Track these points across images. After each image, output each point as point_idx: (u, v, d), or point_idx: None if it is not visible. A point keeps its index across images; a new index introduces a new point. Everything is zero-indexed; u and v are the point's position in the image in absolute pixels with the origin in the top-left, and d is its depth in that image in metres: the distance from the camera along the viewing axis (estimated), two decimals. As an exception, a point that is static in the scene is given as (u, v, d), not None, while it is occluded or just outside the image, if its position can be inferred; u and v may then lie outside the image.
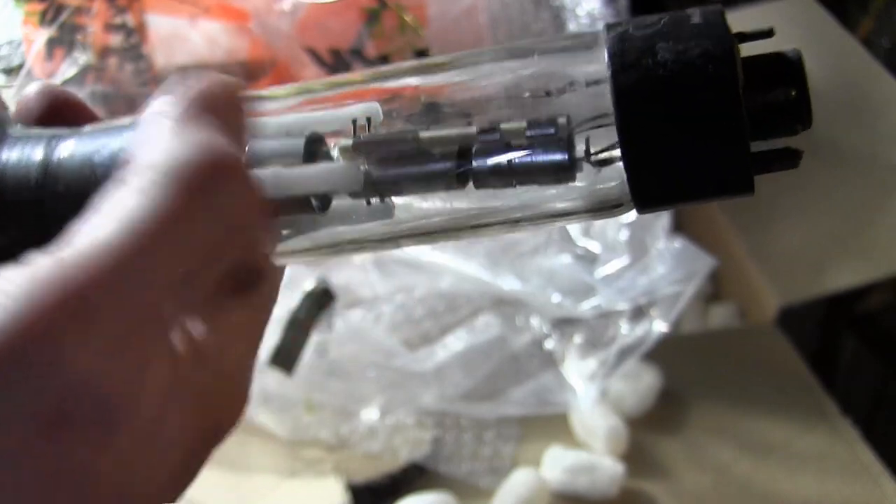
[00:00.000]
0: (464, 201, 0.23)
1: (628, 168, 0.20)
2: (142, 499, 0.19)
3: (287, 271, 0.25)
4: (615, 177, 0.21)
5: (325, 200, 0.24)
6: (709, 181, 0.20)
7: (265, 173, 0.22)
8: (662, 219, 0.71)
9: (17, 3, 0.77)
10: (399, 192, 0.23)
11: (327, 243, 0.24)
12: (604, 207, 0.22)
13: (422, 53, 0.79)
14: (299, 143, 0.23)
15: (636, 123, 0.20)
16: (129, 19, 0.81)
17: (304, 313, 0.65)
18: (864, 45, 1.08)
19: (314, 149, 0.23)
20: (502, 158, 0.22)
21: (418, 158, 0.23)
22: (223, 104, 0.22)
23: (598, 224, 0.73)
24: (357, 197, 0.23)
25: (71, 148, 0.22)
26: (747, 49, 0.21)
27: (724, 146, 0.20)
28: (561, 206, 0.23)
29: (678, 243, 0.69)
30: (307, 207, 0.23)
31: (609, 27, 0.21)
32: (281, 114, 0.24)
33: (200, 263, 0.20)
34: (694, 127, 0.20)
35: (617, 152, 0.21)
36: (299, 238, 0.24)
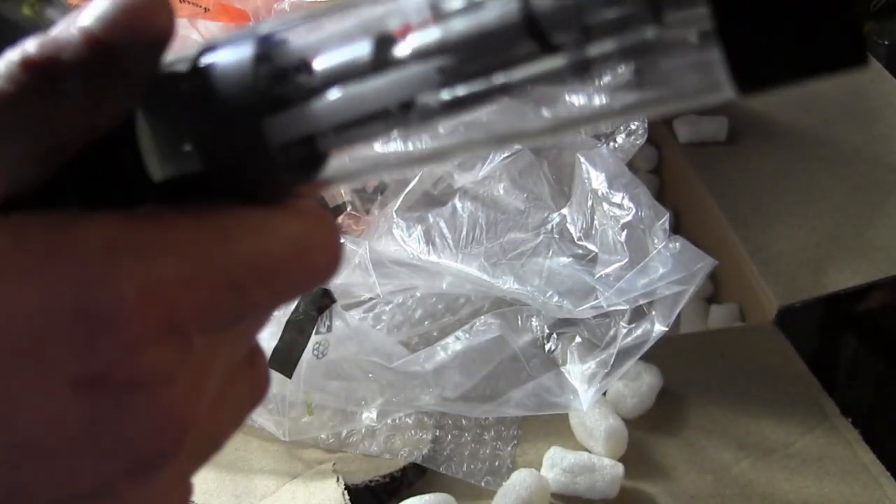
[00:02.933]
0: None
1: (726, 41, 0.17)
2: None
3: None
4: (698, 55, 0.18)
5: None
6: (819, 52, 0.17)
7: (332, 97, 0.19)
8: (662, 219, 0.71)
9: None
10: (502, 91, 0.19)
11: (391, 161, 0.21)
12: (692, 92, 0.19)
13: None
14: (365, 48, 0.20)
15: None
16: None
17: (304, 314, 0.65)
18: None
19: (383, 52, 0.20)
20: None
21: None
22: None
23: (598, 224, 0.73)
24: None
25: None
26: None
27: (833, 10, 0.17)
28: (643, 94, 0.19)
29: (678, 243, 0.69)
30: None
31: None
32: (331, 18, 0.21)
33: None
34: None
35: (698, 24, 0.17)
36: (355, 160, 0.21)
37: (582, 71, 0.19)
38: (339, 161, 0.21)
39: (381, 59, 0.20)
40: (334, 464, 0.66)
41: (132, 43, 0.19)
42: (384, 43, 0.20)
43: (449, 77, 0.19)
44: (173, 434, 0.19)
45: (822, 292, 0.79)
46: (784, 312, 0.77)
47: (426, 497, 0.63)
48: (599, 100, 0.20)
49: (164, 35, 0.19)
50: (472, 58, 0.19)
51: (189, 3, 0.79)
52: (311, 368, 0.66)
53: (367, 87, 0.20)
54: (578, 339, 0.70)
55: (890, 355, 0.94)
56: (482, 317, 0.70)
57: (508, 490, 0.62)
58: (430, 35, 0.19)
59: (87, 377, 0.18)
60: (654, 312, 0.68)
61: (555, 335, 0.72)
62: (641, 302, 0.68)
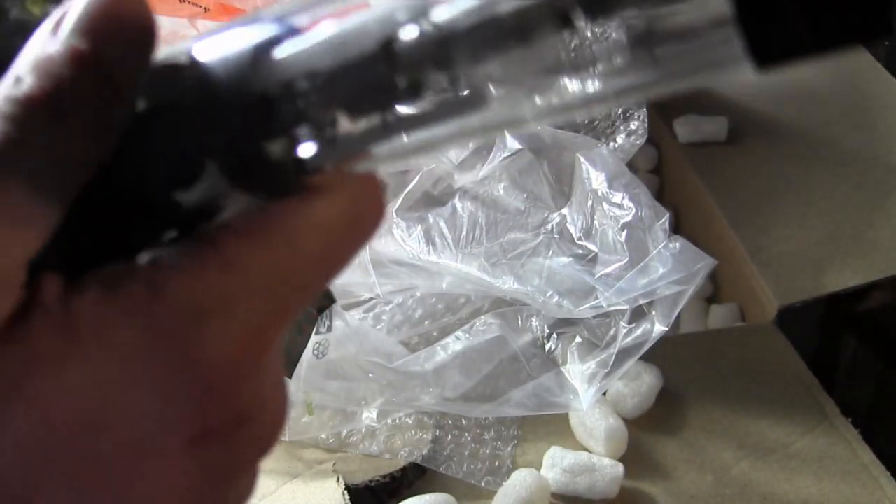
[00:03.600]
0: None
1: (742, 16, 0.16)
2: None
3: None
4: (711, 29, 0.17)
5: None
6: (840, 23, 0.16)
7: None
8: (662, 219, 0.71)
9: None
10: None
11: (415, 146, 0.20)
12: (702, 68, 0.18)
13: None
14: (372, 35, 0.19)
15: None
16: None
17: (303, 314, 0.65)
18: (864, 46, 1.08)
19: (390, 49, 0.19)
20: None
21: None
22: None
23: (598, 224, 0.73)
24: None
25: None
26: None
27: None
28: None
29: (678, 243, 0.69)
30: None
31: None
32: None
33: None
34: None
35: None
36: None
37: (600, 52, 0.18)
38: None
39: (391, 55, 0.19)
40: (334, 464, 0.66)
41: (116, 45, 0.18)
42: (391, 40, 0.19)
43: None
44: (273, 439, 0.20)
45: (822, 292, 0.79)
46: (784, 312, 0.77)
47: (426, 497, 0.63)
48: (604, 82, 0.19)
49: (144, 27, 0.19)
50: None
51: (189, 3, 0.79)
52: (311, 368, 0.66)
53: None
54: (578, 339, 0.70)
55: (890, 355, 0.94)
56: (482, 317, 0.70)
57: (508, 490, 0.62)
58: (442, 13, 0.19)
59: (199, 434, 0.18)
60: (654, 312, 0.68)
61: (555, 335, 0.72)
62: (641, 302, 0.68)
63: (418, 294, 0.73)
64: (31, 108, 0.18)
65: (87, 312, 0.18)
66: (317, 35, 0.19)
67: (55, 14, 0.19)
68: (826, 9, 0.16)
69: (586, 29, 0.18)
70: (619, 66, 0.18)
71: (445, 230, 0.72)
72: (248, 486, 0.21)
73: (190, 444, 0.18)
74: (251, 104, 0.19)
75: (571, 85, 0.19)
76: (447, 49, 0.19)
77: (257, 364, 0.19)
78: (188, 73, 0.20)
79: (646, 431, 0.69)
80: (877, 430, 0.76)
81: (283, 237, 0.19)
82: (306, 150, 0.20)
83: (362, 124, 0.20)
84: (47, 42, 0.18)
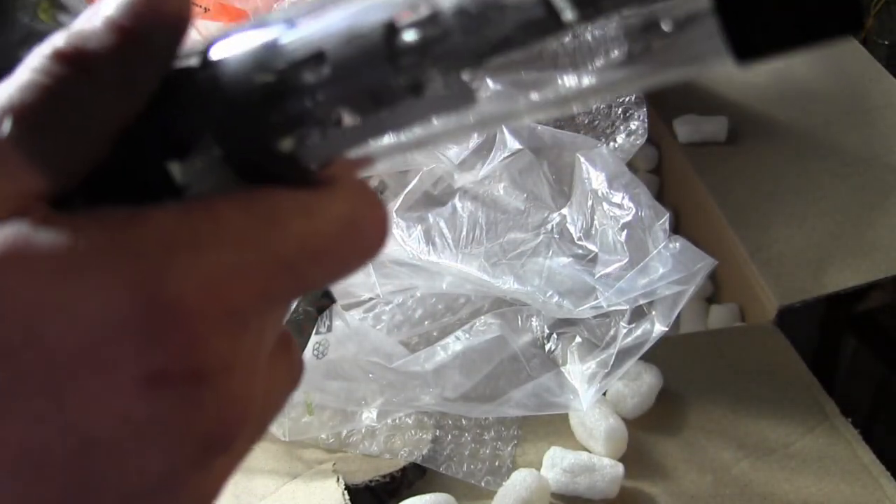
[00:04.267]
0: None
1: (722, 10, 0.17)
2: None
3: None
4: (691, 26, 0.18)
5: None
6: (815, 18, 0.17)
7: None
8: (662, 219, 0.71)
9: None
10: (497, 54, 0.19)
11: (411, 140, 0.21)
12: (687, 62, 0.19)
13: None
14: (375, 35, 0.19)
15: None
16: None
17: (303, 314, 0.65)
18: (864, 45, 1.08)
19: (391, 37, 0.19)
20: None
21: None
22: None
23: (598, 224, 0.73)
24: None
25: None
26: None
27: None
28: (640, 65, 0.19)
29: (678, 244, 0.69)
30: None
31: None
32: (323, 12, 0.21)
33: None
34: None
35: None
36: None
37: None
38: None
39: (393, 44, 0.19)
40: (334, 464, 0.66)
41: (153, 28, 0.20)
42: (393, 28, 0.19)
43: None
44: (235, 420, 0.20)
45: (822, 292, 0.79)
46: (784, 312, 0.77)
47: (426, 497, 0.63)
48: (597, 75, 0.20)
49: (181, 19, 0.20)
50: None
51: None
52: (311, 368, 0.66)
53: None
54: (578, 339, 0.70)
55: (890, 355, 0.94)
56: (482, 317, 0.70)
57: (508, 490, 0.62)
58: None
59: (152, 373, 0.18)
60: (654, 312, 0.68)
61: (555, 335, 0.72)
62: (641, 302, 0.68)
63: (418, 294, 0.73)
64: (56, 59, 0.19)
65: (66, 222, 0.18)
66: (323, 28, 0.20)
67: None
68: (801, 5, 0.17)
69: (581, 27, 0.18)
70: (612, 61, 0.19)
71: (445, 230, 0.72)
72: (207, 482, 0.20)
73: (141, 380, 0.18)
74: (258, 97, 0.20)
75: (567, 80, 0.19)
76: (448, 47, 0.19)
77: (228, 325, 0.19)
78: (199, 70, 0.20)
79: (646, 431, 0.69)
80: (877, 430, 0.76)
81: (269, 212, 0.19)
82: (310, 143, 0.20)
83: (364, 120, 0.20)
84: (86, 17, 0.20)
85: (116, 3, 0.20)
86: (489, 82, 0.20)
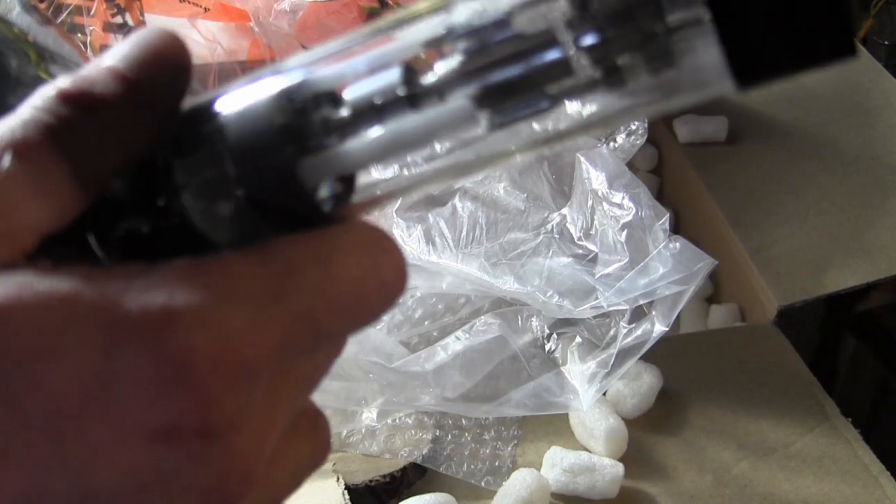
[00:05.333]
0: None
1: (725, 39, 0.18)
2: None
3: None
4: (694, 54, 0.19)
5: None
6: (811, 46, 0.18)
7: (374, 137, 0.20)
8: (662, 219, 0.71)
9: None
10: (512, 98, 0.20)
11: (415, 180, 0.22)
12: (692, 88, 0.20)
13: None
14: (394, 75, 0.20)
15: None
16: (129, 19, 0.81)
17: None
18: (864, 45, 1.08)
19: (412, 79, 0.20)
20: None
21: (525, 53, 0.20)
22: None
23: (598, 224, 0.73)
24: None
25: None
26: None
27: (823, 6, 0.18)
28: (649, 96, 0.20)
29: (678, 243, 0.69)
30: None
31: None
32: (346, 56, 0.21)
33: None
34: None
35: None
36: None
37: (613, 82, 0.20)
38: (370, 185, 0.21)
39: (413, 90, 0.20)
40: (334, 464, 0.66)
41: (155, 77, 0.20)
42: (412, 71, 0.20)
43: (484, 102, 0.20)
44: (240, 481, 0.19)
45: (822, 292, 0.79)
46: (784, 312, 0.77)
47: (426, 497, 0.63)
48: (598, 106, 0.20)
49: (181, 69, 0.21)
50: (501, 80, 0.20)
51: (189, 3, 0.79)
52: (311, 368, 0.66)
53: (406, 124, 0.20)
54: (578, 339, 0.70)
55: (890, 355, 0.94)
56: (482, 317, 0.70)
57: (508, 490, 0.62)
58: (455, 61, 0.20)
59: (161, 428, 0.18)
60: (654, 312, 0.68)
61: (555, 335, 0.72)
62: (641, 302, 0.68)
63: (418, 294, 0.73)
64: (61, 100, 0.20)
65: (74, 271, 0.18)
66: (344, 68, 0.21)
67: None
68: (799, 35, 0.18)
69: (587, 66, 0.20)
70: (620, 89, 0.20)
71: (445, 230, 0.72)
72: None
73: (150, 432, 0.18)
74: (278, 135, 0.20)
75: (570, 108, 0.20)
76: (459, 81, 0.20)
77: (239, 382, 0.18)
78: (215, 113, 0.21)
79: (646, 431, 0.69)
80: (877, 430, 0.76)
81: (284, 264, 0.19)
82: (333, 183, 0.21)
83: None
84: (91, 65, 0.20)
85: (118, 54, 0.20)
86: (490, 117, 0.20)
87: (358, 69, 0.21)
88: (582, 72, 0.19)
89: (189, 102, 0.22)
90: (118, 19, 0.80)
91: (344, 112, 0.20)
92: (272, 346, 0.19)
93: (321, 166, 0.20)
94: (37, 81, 0.23)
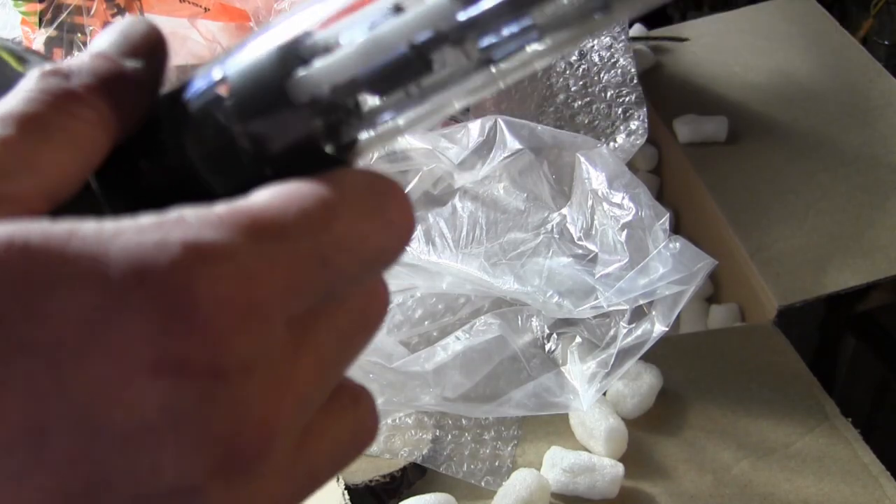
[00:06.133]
0: None
1: None
2: None
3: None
4: None
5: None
6: None
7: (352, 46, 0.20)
8: (662, 219, 0.71)
9: (16, 2, 0.77)
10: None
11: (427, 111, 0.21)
12: None
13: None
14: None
15: None
16: (129, 19, 0.81)
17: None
18: (864, 45, 1.08)
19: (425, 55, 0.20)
20: None
21: None
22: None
23: (598, 224, 0.73)
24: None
25: None
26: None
27: None
28: None
29: (678, 243, 0.69)
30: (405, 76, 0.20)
31: None
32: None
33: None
34: None
35: None
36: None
37: None
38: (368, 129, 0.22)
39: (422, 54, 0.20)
40: (334, 464, 0.66)
41: (134, 55, 0.22)
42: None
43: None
44: (256, 433, 0.18)
45: (822, 292, 0.79)
46: (784, 312, 0.77)
47: (426, 497, 0.63)
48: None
49: (158, 48, 0.23)
50: None
51: (189, 3, 0.79)
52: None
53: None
54: (578, 339, 0.70)
55: (890, 355, 0.94)
56: (482, 317, 0.70)
57: (508, 490, 0.62)
58: None
59: (166, 362, 0.17)
60: (654, 312, 0.68)
61: (555, 335, 0.72)
62: (641, 302, 0.68)
63: (418, 294, 0.73)
64: (50, 75, 0.21)
65: (76, 218, 0.18)
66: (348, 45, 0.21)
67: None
68: None
69: None
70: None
71: (445, 230, 0.72)
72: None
73: (154, 365, 0.17)
74: (282, 89, 0.20)
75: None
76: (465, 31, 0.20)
77: (251, 322, 0.18)
78: (217, 81, 0.21)
79: (646, 431, 0.69)
80: (877, 430, 0.76)
81: (292, 205, 0.19)
82: (343, 133, 0.21)
83: (387, 101, 0.21)
84: (72, 57, 0.23)
85: (98, 41, 0.22)
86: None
87: (356, 21, 0.21)
88: None
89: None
90: (118, 19, 0.80)
91: (343, 64, 0.20)
92: (282, 286, 0.18)
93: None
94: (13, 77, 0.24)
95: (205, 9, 0.79)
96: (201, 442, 0.18)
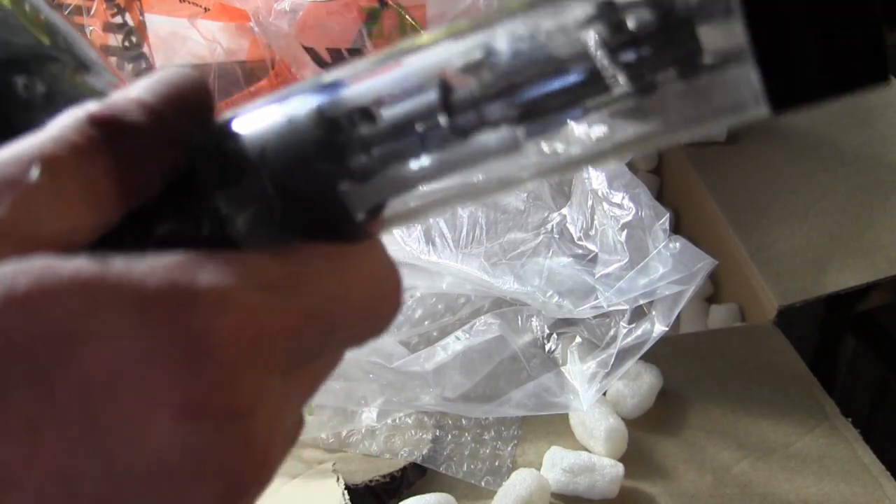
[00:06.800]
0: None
1: (761, 62, 0.18)
2: None
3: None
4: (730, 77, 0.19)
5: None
6: (848, 73, 0.19)
7: None
8: (662, 219, 0.71)
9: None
10: (539, 113, 0.20)
11: (440, 196, 0.22)
12: (725, 111, 0.20)
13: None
14: (432, 96, 0.20)
15: (769, 9, 0.18)
16: (129, 19, 0.81)
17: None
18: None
19: (449, 100, 0.20)
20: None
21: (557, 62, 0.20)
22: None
23: (598, 224, 0.73)
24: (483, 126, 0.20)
25: None
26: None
27: (859, 31, 0.18)
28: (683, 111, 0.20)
29: (678, 243, 0.69)
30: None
31: None
32: (380, 72, 0.21)
33: None
34: (826, 11, 0.18)
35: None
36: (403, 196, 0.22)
37: (644, 91, 0.20)
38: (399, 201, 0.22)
39: (452, 114, 0.20)
40: (334, 464, 0.66)
41: (179, 112, 0.21)
42: (448, 91, 0.20)
43: (521, 118, 0.20)
44: (255, 468, 0.19)
45: (822, 292, 0.79)
46: (784, 312, 0.77)
47: (426, 497, 0.63)
48: (629, 128, 0.20)
49: (205, 104, 0.22)
50: (540, 97, 0.20)
51: (189, 3, 0.79)
52: (311, 368, 0.66)
53: (449, 154, 0.21)
54: (578, 339, 0.70)
55: (890, 355, 0.94)
56: (482, 317, 0.70)
57: (508, 490, 0.62)
58: (491, 82, 0.20)
59: (189, 405, 0.18)
60: (654, 312, 0.68)
61: (555, 335, 0.72)
62: (641, 302, 0.68)
63: (418, 294, 0.73)
64: (91, 123, 0.21)
65: (98, 257, 0.19)
66: (375, 82, 0.21)
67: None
68: (837, 62, 0.19)
69: (617, 77, 0.20)
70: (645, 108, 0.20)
71: (445, 230, 0.72)
72: None
73: (179, 409, 0.18)
74: (314, 145, 0.21)
75: (595, 131, 0.20)
76: (498, 99, 0.20)
77: (258, 365, 0.19)
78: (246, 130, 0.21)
79: (646, 431, 0.69)
80: (877, 430, 0.76)
81: (302, 265, 0.20)
82: (361, 188, 0.21)
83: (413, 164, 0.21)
84: (118, 95, 0.22)
85: (146, 87, 0.21)
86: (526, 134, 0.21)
87: (393, 86, 0.21)
88: (617, 89, 0.20)
89: (217, 120, 0.22)
90: (118, 19, 0.80)
91: (381, 132, 0.21)
92: (287, 334, 0.20)
93: (365, 193, 0.21)
94: (72, 94, 0.24)
95: (205, 9, 0.79)
96: (215, 476, 0.19)
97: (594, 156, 0.21)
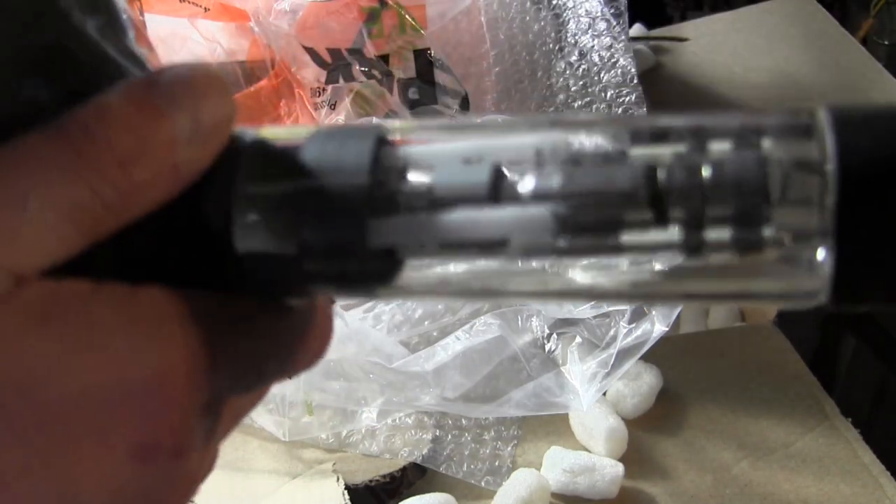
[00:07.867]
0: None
1: (838, 258, 0.18)
2: None
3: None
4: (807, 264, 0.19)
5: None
6: None
7: (448, 216, 0.20)
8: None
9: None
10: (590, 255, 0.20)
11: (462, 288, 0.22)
12: (791, 296, 0.20)
13: (421, 53, 0.78)
14: (482, 175, 0.20)
15: (858, 212, 0.18)
16: (129, 19, 0.81)
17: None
18: (864, 45, 1.08)
19: (498, 182, 0.20)
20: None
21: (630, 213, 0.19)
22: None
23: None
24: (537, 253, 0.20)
25: None
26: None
27: None
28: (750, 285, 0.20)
29: (678, 243, 0.69)
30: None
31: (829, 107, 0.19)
32: (445, 139, 0.21)
33: None
34: None
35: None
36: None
37: (693, 251, 0.19)
38: (413, 276, 0.21)
39: (498, 189, 0.20)
40: (334, 464, 0.66)
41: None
42: (501, 174, 0.20)
43: (562, 225, 0.20)
44: (192, 491, 0.21)
45: (822, 292, 0.78)
46: (784, 312, 0.77)
47: (426, 497, 0.63)
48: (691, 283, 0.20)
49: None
50: (589, 211, 0.19)
51: (189, 3, 0.79)
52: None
53: (484, 215, 0.20)
54: (578, 339, 0.70)
55: (890, 355, 0.94)
56: (482, 317, 0.70)
57: (508, 490, 0.62)
58: (551, 179, 0.20)
59: (144, 446, 0.19)
60: (654, 312, 0.68)
61: (555, 335, 0.72)
62: (641, 302, 0.68)
63: (418, 294, 0.73)
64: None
65: (71, 288, 0.19)
66: (437, 151, 0.21)
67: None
68: None
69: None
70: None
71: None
72: None
73: (134, 449, 0.19)
74: (363, 196, 0.20)
75: (642, 272, 0.20)
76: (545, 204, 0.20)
77: (209, 407, 0.20)
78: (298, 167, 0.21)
79: (646, 431, 0.69)
80: (877, 430, 0.76)
81: (251, 329, 0.22)
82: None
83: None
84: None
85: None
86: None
87: (450, 156, 0.21)
88: (666, 233, 0.19)
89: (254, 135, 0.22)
90: (118, 19, 0.80)
91: (425, 190, 0.20)
92: (237, 380, 0.21)
93: (391, 229, 0.20)
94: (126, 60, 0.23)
95: (205, 9, 0.79)
96: None
97: (612, 293, 0.21)
